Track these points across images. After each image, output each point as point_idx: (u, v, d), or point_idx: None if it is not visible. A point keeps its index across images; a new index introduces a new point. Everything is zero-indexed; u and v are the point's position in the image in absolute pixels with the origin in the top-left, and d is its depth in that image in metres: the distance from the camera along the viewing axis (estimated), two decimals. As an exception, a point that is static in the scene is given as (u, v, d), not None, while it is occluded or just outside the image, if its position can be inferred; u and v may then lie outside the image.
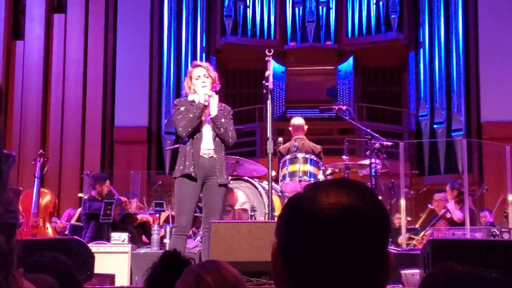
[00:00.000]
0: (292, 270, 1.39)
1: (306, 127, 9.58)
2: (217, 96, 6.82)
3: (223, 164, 6.65)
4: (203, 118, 6.68)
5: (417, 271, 6.06)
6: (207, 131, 6.67)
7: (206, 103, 6.58)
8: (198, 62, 7.13)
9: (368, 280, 1.37)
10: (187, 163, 6.55)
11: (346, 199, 1.37)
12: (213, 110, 6.60)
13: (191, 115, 6.57)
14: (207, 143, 6.64)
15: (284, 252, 1.41)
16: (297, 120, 9.67)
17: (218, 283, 2.34)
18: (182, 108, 6.70)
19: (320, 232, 1.35)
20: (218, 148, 6.65)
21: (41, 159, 10.87)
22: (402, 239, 9.91)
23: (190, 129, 6.59)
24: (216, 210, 6.63)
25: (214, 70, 6.92)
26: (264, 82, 7.19)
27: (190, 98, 6.74)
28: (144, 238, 10.82)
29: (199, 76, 6.69)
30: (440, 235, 9.31)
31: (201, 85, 6.65)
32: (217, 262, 2.47)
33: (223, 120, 6.65)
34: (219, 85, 6.90)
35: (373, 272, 1.37)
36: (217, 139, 6.65)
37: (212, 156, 6.61)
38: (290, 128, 9.58)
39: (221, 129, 6.61)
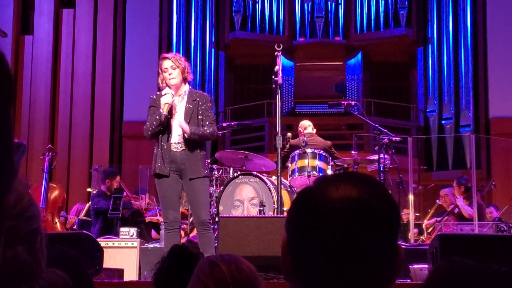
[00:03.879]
0: (302, 263, 1.39)
1: (314, 130, 9.69)
2: (188, 86, 6.68)
3: (195, 157, 6.47)
4: (173, 111, 6.58)
5: (426, 266, 6.08)
6: (177, 124, 6.53)
7: (163, 117, 6.44)
8: (165, 54, 6.94)
9: (378, 274, 1.37)
10: (158, 163, 6.46)
11: (356, 192, 1.37)
12: (185, 127, 6.42)
13: (151, 124, 6.50)
14: (176, 137, 6.50)
15: (293, 246, 1.41)
16: (305, 122, 9.76)
17: (233, 272, 2.34)
18: (153, 107, 6.59)
19: (330, 226, 1.35)
20: (190, 141, 6.47)
21: (50, 154, 10.89)
22: (410, 234, 9.93)
23: (150, 134, 6.52)
24: (200, 203, 6.47)
25: (185, 60, 6.70)
26: (273, 77, 7.17)
27: (163, 92, 6.65)
28: (153, 233, 10.84)
29: (166, 68, 6.52)
30: (448, 230, 9.32)
31: (169, 77, 6.49)
32: (234, 255, 2.47)
33: (195, 131, 6.43)
34: (192, 75, 6.75)
35: (382, 265, 1.37)
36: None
37: (182, 150, 6.47)
38: (299, 129, 9.66)
39: (196, 139, 6.48)
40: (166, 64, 6.55)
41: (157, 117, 6.44)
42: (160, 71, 6.61)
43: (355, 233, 1.34)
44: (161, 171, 6.46)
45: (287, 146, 9.08)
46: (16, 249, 1.15)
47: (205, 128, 6.49)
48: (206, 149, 6.76)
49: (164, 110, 6.40)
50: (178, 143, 6.49)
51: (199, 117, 6.55)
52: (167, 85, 6.57)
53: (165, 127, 6.52)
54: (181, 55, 6.90)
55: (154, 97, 6.71)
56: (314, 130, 9.75)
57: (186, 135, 6.42)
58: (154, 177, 6.67)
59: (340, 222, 1.34)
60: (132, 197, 10.96)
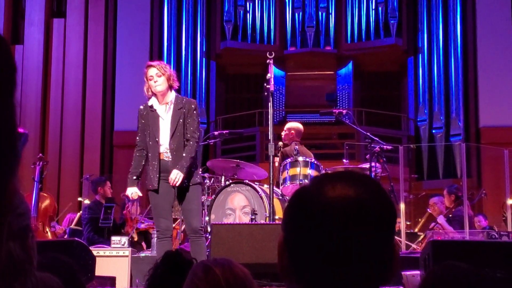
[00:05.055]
0: (298, 263, 1.38)
1: None
2: (174, 93, 6.64)
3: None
4: (160, 118, 6.61)
5: (418, 272, 6.08)
6: (164, 131, 6.51)
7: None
8: (151, 62, 6.96)
9: (376, 274, 1.37)
10: (148, 177, 6.48)
11: (353, 191, 1.37)
12: (177, 178, 6.41)
13: (132, 164, 6.62)
14: (165, 144, 6.50)
15: (290, 246, 1.40)
16: (300, 125, 9.70)
17: (227, 276, 2.33)
18: (141, 121, 6.63)
19: (327, 225, 1.34)
20: (178, 148, 6.47)
21: (41, 163, 10.86)
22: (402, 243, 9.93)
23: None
24: (192, 211, 6.46)
25: (171, 68, 6.71)
26: (265, 84, 7.17)
27: (149, 103, 6.63)
28: (144, 244, 10.79)
29: (152, 76, 6.51)
30: (439, 239, 9.33)
31: (154, 85, 6.48)
32: (228, 259, 2.47)
33: (185, 165, 6.41)
34: (177, 82, 6.74)
35: (381, 266, 1.37)
36: (175, 137, 6.47)
37: (172, 159, 6.46)
38: (292, 132, 9.51)
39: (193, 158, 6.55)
40: (152, 71, 6.54)
41: (133, 177, 6.58)
42: (145, 79, 6.60)
43: (352, 234, 1.34)
44: (149, 187, 6.49)
45: (279, 155, 9.03)
46: (9, 244, 1.15)
47: (187, 150, 6.45)
48: (196, 157, 6.74)
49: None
50: (168, 151, 6.49)
51: (186, 124, 6.52)
52: (153, 94, 6.57)
53: (153, 136, 6.52)
54: (166, 63, 6.90)
55: (142, 108, 6.70)
56: None
57: (182, 179, 6.38)
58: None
59: (337, 222, 1.34)
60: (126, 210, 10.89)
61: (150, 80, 6.52)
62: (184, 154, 6.43)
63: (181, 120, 6.51)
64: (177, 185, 6.34)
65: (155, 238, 8.69)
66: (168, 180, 6.40)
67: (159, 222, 6.51)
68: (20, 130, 1.08)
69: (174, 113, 6.52)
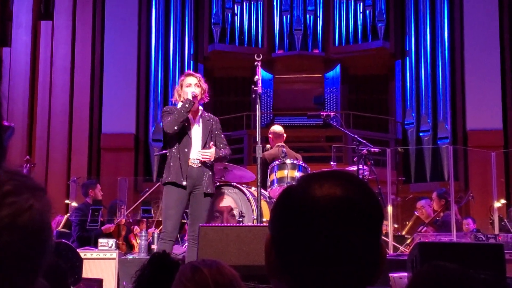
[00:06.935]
0: (286, 263, 1.37)
1: (285, 135, 9.65)
2: (201, 107, 6.94)
3: (210, 174, 6.80)
4: (192, 125, 6.75)
5: (405, 274, 6.10)
6: (196, 138, 6.78)
7: (192, 98, 6.67)
8: (191, 71, 7.30)
9: (362, 271, 1.36)
10: (174, 173, 6.64)
11: (340, 190, 1.36)
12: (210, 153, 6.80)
13: (178, 113, 6.67)
14: (195, 153, 6.73)
15: (277, 245, 1.39)
16: (278, 128, 9.73)
17: (215, 276, 2.34)
18: (167, 112, 6.83)
19: (314, 224, 1.33)
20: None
21: (28, 165, 10.81)
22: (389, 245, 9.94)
23: (176, 125, 6.66)
24: (201, 218, 6.73)
25: (204, 81, 7.04)
26: (253, 87, 7.22)
27: (179, 106, 6.79)
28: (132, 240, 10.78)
29: (190, 84, 6.79)
30: (427, 241, 9.35)
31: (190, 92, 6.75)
32: (216, 260, 2.48)
33: (220, 154, 6.90)
34: (208, 98, 7.00)
35: (366, 262, 1.36)
36: (206, 146, 6.76)
37: (200, 166, 6.72)
38: (270, 136, 9.58)
39: (224, 160, 7.00)
40: (191, 80, 6.85)
41: (186, 103, 6.69)
42: (180, 86, 6.87)
43: (340, 233, 1.33)
44: (178, 180, 6.65)
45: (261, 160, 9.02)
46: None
47: (221, 150, 6.94)
48: (214, 166, 7.10)
49: (192, 95, 6.70)
50: (197, 159, 6.73)
51: (213, 137, 6.91)
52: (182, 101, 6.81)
53: (184, 137, 6.71)
54: (203, 77, 7.17)
55: (171, 107, 7.02)
56: (285, 135, 9.69)
57: (209, 160, 6.77)
58: (164, 186, 6.85)
59: (325, 221, 1.33)
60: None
61: (188, 87, 6.78)
62: (222, 150, 6.94)
63: (210, 131, 6.88)
64: (201, 158, 6.72)
65: (143, 240, 8.73)
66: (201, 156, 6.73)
67: (167, 224, 6.66)
68: (5, 123, 1.07)
69: (204, 123, 6.90)
